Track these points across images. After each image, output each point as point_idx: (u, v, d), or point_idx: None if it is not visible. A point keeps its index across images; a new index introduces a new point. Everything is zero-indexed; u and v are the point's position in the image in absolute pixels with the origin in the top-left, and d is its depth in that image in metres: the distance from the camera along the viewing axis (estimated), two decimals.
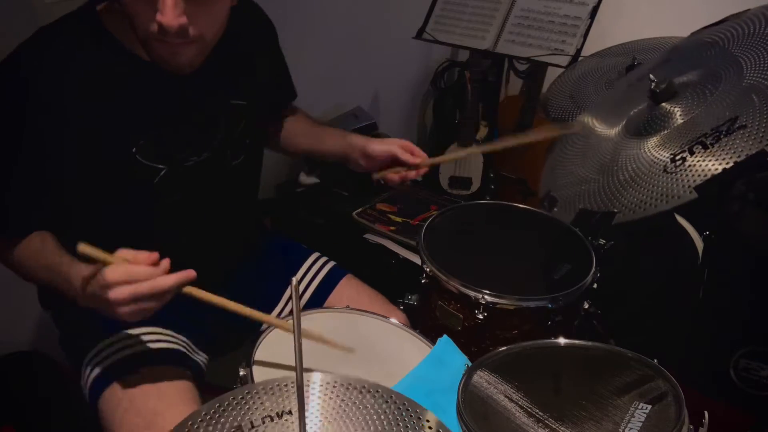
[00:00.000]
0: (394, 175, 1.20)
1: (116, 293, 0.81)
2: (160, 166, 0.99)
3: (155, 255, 0.83)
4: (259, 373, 0.90)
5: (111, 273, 0.81)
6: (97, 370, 1.00)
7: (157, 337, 1.05)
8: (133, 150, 0.96)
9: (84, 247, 0.81)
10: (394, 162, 1.20)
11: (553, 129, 1.33)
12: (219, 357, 1.18)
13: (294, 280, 0.57)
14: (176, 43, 0.88)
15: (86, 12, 0.95)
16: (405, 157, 1.18)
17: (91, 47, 0.93)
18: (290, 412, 0.65)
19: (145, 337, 1.03)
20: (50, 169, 0.94)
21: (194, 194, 1.05)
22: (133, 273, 0.81)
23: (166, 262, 0.85)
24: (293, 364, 0.61)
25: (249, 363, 0.91)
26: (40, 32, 0.93)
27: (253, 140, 1.13)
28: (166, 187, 1.01)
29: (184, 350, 1.08)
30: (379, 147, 1.20)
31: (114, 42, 0.94)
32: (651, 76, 1.04)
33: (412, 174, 1.20)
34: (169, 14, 0.83)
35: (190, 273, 0.84)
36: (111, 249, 1.03)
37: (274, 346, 0.97)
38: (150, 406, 0.95)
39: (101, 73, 0.93)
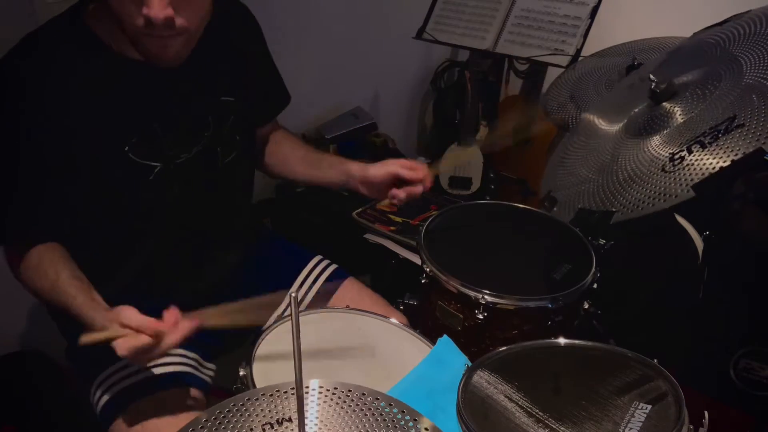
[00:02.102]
0: (400, 193, 1.16)
1: (132, 361, 0.87)
2: (153, 163, 0.99)
3: (155, 324, 0.85)
4: (259, 373, 0.90)
5: (121, 350, 0.84)
6: (107, 396, 1.01)
7: (167, 360, 1.04)
8: (126, 149, 0.96)
9: (85, 339, 0.85)
10: (396, 181, 1.17)
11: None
12: (220, 357, 1.18)
13: (292, 294, 0.57)
14: (164, 36, 0.89)
15: (71, 17, 0.96)
16: (407, 174, 1.15)
17: (79, 51, 0.93)
18: (290, 420, 0.65)
19: (155, 360, 1.03)
20: (46, 174, 0.94)
21: (189, 193, 1.05)
22: (141, 345, 0.84)
23: (171, 315, 0.87)
24: (293, 364, 0.61)
25: (249, 363, 0.91)
26: (27, 38, 0.94)
27: (243, 137, 1.13)
28: (161, 185, 1.01)
29: (193, 370, 1.08)
30: (378, 171, 1.17)
31: (100, 44, 0.95)
32: (651, 76, 1.04)
33: (418, 189, 1.16)
34: (155, 7, 0.84)
35: (195, 323, 0.88)
36: (111, 251, 1.04)
37: (274, 346, 0.97)
38: (162, 429, 0.96)
39: (91, 76, 0.94)
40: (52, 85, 0.92)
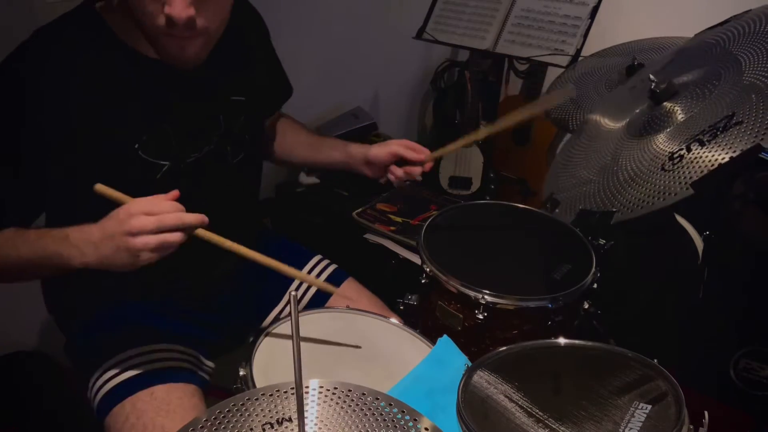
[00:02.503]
0: (398, 170, 1.20)
1: (141, 221, 0.81)
2: (162, 162, 0.99)
3: (176, 192, 0.85)
4: (259, 373, 0.90)
5: (135, 204, 0.82)
6: (105, 389, 1.01)
7: (165, 355, 1.05)
8: (136, 146, 0.96)
9: (101, 187, 0.82)
10: (398, 162, 1.21)
11: (547, 99, 1.33)
12: (220, 357, 1.18)
13: (293, 292, 0.57)
14: (184, 37, 0.88)
15: (86, 10, 0.95)
16: (408, 154, 1.19)
17: (93, 45, 0.93)
18: (290, 419, 0.65)
19: (153, 356, 1.04)
20: (51, 167, 0.93)
21: (195, 192, 1.05)
22: (157, 204, 0.83)
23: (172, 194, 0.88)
24: (293, 364, 0.61)
25: (249, 363, 0.91)
26: (41, 31, 0.93)
27: (252, 136, 1.13)
28: (168, 184, 1.01)
29: (192, 366, 1.08)
30: (380, 151, 1.21)
31: (115, 39, 0.94)
32: (651, 76, 1.04)
33: (417, 170, 1.20)
34: (177, 6, 0.83)
35: (204, 218, 0.87)
36: None
37: (274, 345, 0.97)
38: (158, 423, 0.96)
39: (104, 70, 0.93)
40: (65, 78, 0.91)
